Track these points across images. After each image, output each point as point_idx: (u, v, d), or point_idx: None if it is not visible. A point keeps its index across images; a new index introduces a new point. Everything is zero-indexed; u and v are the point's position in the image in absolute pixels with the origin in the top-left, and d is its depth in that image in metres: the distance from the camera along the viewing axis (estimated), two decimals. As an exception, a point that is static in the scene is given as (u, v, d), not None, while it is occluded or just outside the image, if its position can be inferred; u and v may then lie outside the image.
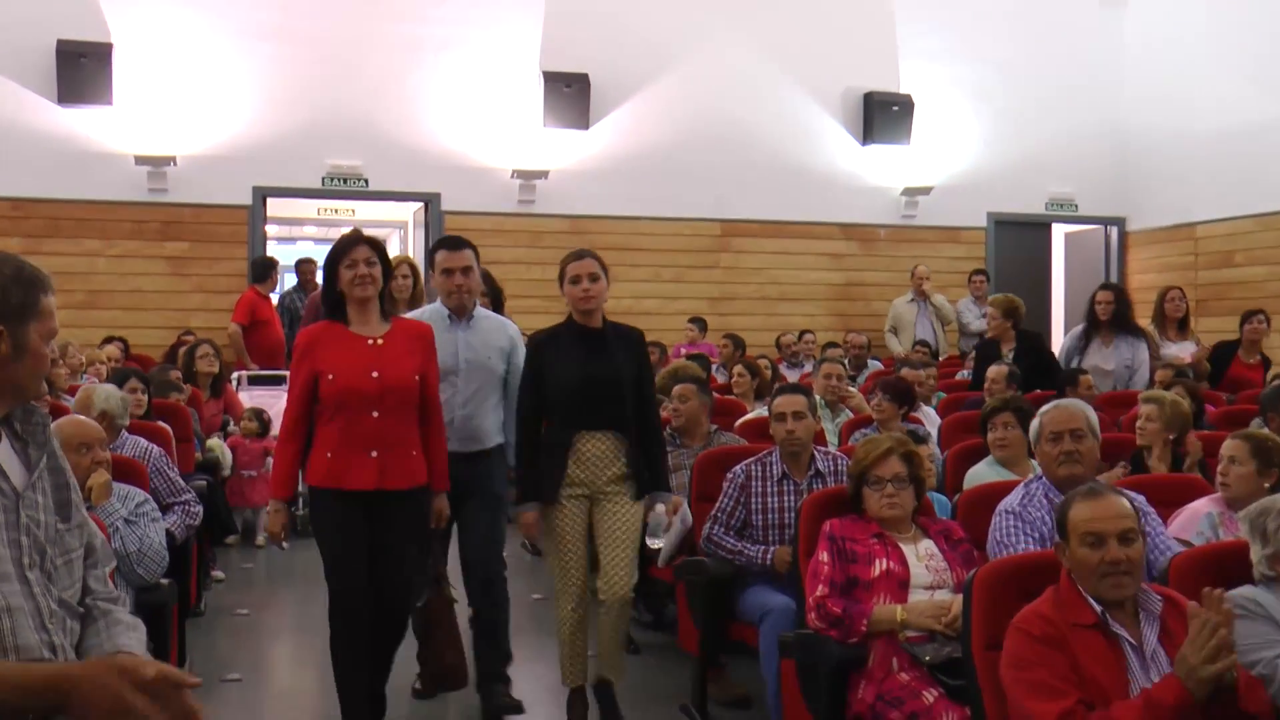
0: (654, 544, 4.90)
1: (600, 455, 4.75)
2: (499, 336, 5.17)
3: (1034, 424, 4.39)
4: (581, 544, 4.80)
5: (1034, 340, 8.63)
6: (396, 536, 4.46)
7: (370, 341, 4.44)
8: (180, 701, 2.14)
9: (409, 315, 5.19)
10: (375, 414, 4.37)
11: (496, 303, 7.02)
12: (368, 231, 7.64)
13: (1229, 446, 4.37)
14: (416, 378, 4.48)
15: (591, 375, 4.74)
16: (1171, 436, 5.51)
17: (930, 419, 7.24)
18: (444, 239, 5.31)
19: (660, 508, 4.83)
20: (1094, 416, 4.31)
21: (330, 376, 4.37)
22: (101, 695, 2.03)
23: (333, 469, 4.38)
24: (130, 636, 2.32)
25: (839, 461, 5.03)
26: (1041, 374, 7.97)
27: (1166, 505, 4.39)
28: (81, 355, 8.58)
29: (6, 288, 2.17)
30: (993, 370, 7.33)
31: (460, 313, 5.07)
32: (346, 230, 7.38)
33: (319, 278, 10.02)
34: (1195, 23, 12.66)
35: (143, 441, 5.71)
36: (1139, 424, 5.65)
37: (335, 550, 4.46)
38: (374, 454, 4.37)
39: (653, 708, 5.10)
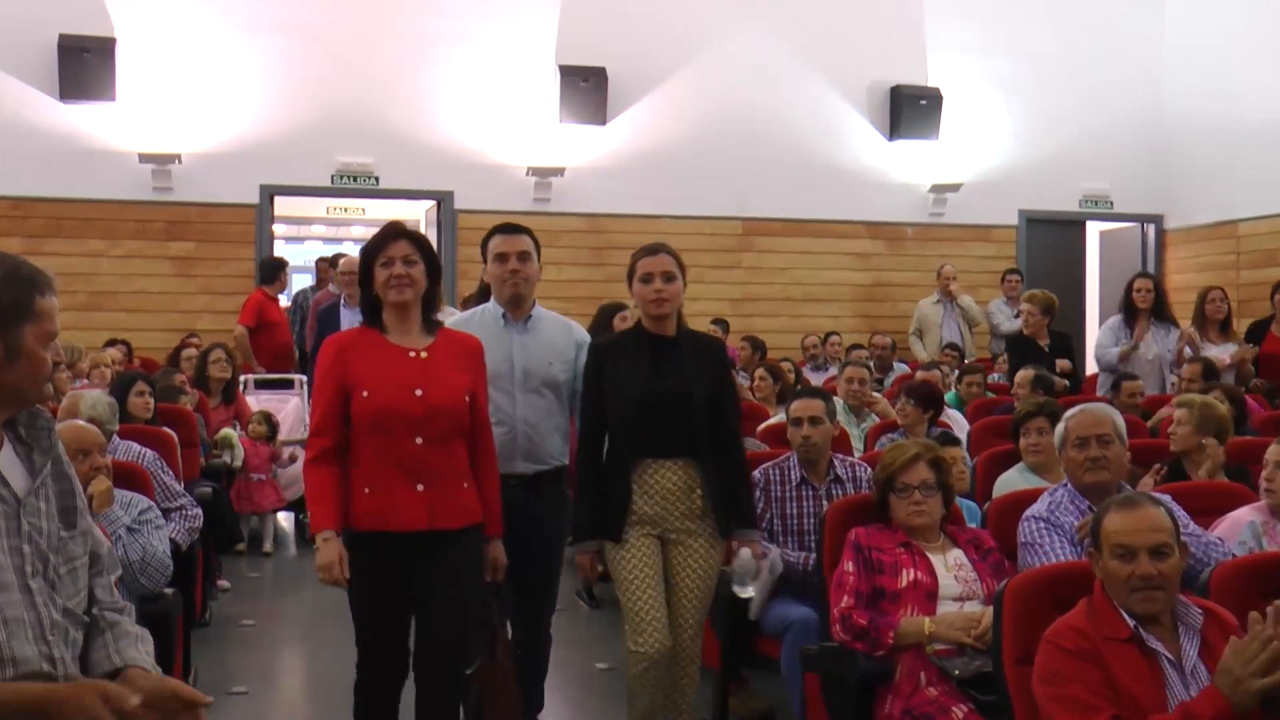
0: (743, 593, 4.39)
1: (670, 488, 4.22)
2: (562, 340, 4.63)
3: (1059, 428, 4.38)
4: (659, 587, 4.21)
5: (1063, 341, 8.64)
6: (449, 584, 3.88)
7: (412, 354, 3.92)
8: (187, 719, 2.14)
9: (457, 316, 4.98)
10: (419, 440, 3.83)
11: None
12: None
13: (1273, 451, 4.33)
14: (466, 398, 3.94)
15: (657, 391, 4.22)
16: (1205, 441, 5.45)
17: (958, 423, 7.21)
18: (500, 225, 4.74)
19: (746, 552, 4.33)
20: (1121, 422, 4.30)
21: (365, 393, 3.84)
22: (80, 717, 2.03)
23: (376, 508, 3.83)
24: (138, 649, 2.32)
25: (858, 468, 5.02)
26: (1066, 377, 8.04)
27: (1206, 514, 4.35)
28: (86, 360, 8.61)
29: None
30: (1020, 375, 7.31)
31: (517, 308, 4.55)
32: (357, 230, 7.44)
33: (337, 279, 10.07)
34: (1239, 9, 12.56)
35: (135, 446, 5.71)
36: (1170, 429, 5.61)
37: (371, 599, 3.92)
38: (420, 488, 3.82)
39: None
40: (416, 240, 3.99)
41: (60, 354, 2.34)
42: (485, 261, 4.64)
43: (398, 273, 3.89)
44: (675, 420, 4.21)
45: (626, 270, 4.39)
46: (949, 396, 8.35)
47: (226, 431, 8.20)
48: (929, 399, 6.56)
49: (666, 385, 4.23)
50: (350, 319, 7.09)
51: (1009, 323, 11.59)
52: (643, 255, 4.36)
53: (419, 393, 3.84)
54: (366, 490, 3.84)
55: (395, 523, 3.80)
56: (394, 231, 4.00)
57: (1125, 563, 3.00)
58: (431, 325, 4.03)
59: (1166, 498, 3.53)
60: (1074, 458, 4.19)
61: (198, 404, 8.12)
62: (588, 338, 4.70)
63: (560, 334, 4.65)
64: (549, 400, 4.54)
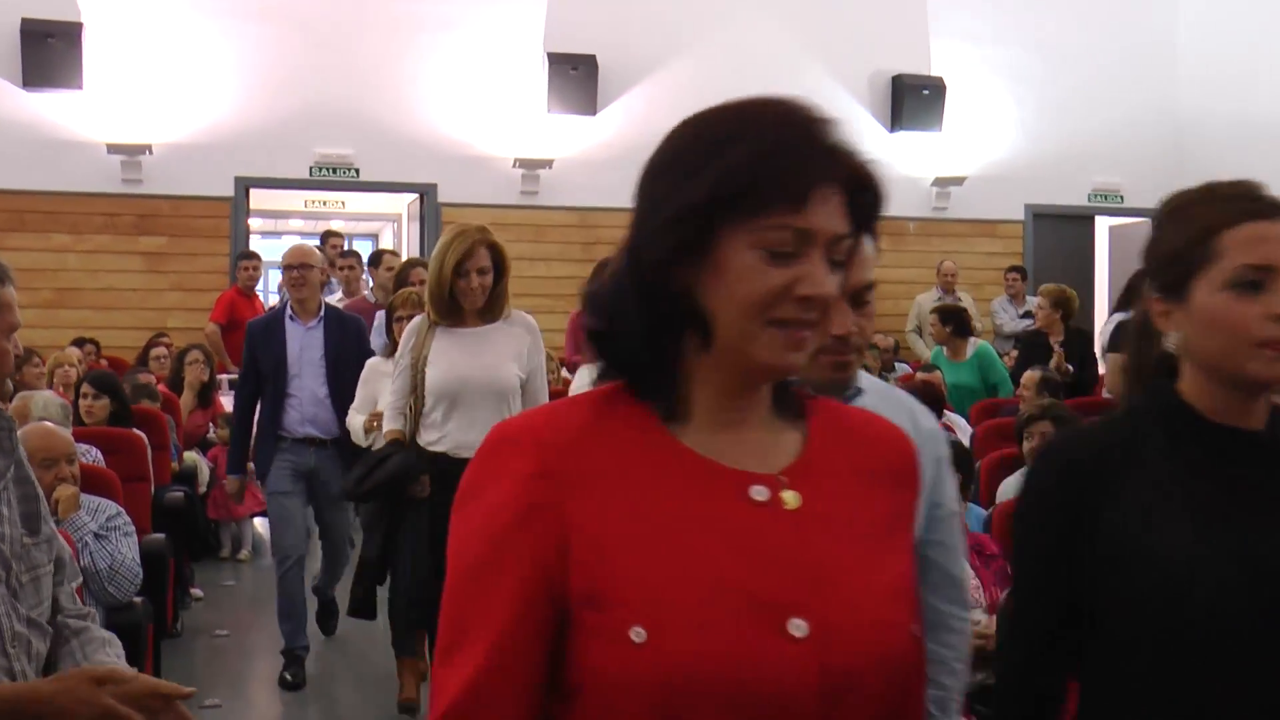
0: None
1: None
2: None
3: None
4: None
5: (1079, 339, 8.64)
6: None
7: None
8: (175, 714, 2.15)
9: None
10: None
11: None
12: (358, 226, 7.50)
13: None
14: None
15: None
16: None
17: (960, 426, 7.23)
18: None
19: None
20: None
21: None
22: (80, 708, 2.04)
23: None
24: (107, 652, 2.33)
25: None
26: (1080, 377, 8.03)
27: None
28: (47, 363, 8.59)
29: None
30: (1026, 376, 7.32)
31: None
32: (336, 224, 7.45)
33: (366, 276, 9.88)
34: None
35: (94, 451, 5.71)
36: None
37: None
38: None
39: None
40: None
41: (19, 347, 2.33)
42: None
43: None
44: None
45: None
46: (950, 397, 8.39)
47: (191, 455, 8.17)
48: (930, 402, 6.56)
49: None
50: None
51: (1012, 322, 11.61)
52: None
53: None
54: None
55: None
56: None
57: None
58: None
59: None
60: None
61: (168, 406, 8.10)
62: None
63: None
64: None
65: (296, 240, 19.48)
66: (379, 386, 5.61)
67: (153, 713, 2.13)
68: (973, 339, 9.07)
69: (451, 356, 4.81)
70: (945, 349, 8.89)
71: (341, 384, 5.97)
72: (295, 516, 6.17)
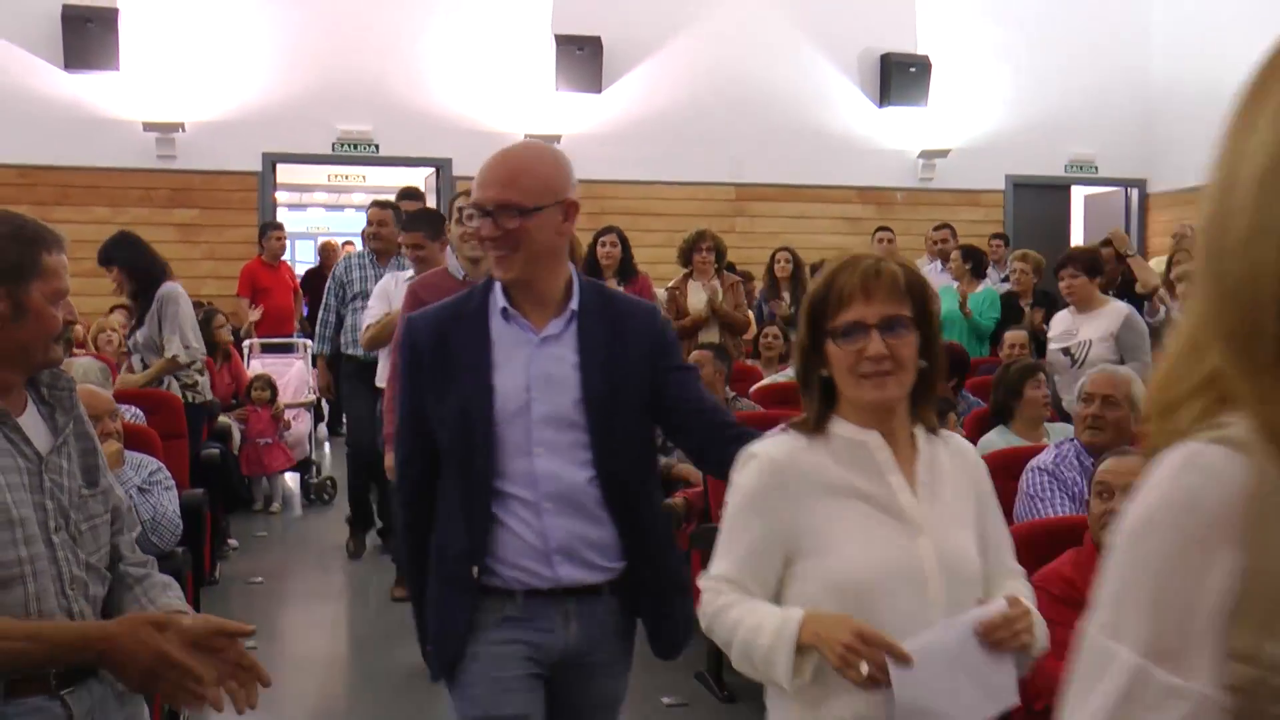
0: None
1: None
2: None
3: (1081, 381, 4.41)
4: None
5: (1046, 300, 8.67)
6: None
7: None
8: (234, 653, 2.16)
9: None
10: None
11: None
12: (378, 199, 7.42)
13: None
14: None
15: None
16: None
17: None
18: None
19: None
20: (1140, 387, 4.19)
21: None
22: (140, 650, 2.06)
23: None
24: (169, 595, 2.35)
25: None
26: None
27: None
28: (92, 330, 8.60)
29: (2, 246, 2.15)
30: (1010, 335, 7.26)
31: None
32: (357, 197, 7.52)
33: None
34: (1221, -22, 12.52)
35: (137, 411, 5.71)
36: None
37: None
38: None
39: (666, 674, 5.08)
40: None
41: (73, 312, 2.33)
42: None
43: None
44: None
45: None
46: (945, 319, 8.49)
47: (223, 420, 8.18)
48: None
49: None
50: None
51: (994, 285, 11.56)
52: None
53: None
54: None
55: None
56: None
57: (1102, 500, 3.16)
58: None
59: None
60: (1079, 413, 4.23)
61: (205, 367, 8.12)
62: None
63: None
64: None
65: (321, 212, 19.48)
66: None
67: (216, 650, 2.14)
68: (985, 284, 9.16)
69: None
70: (959, 283, 8.90)
71: None
72: None
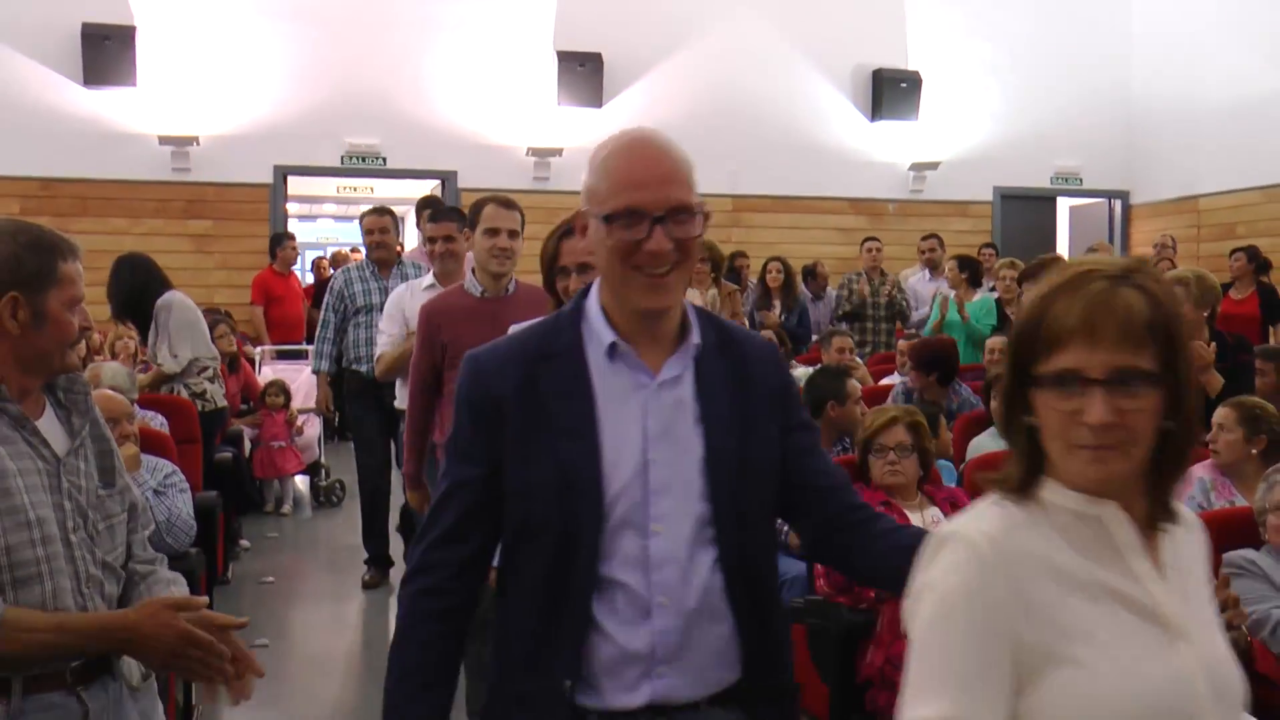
0: None
1: None
2: None
3: None
4: None
5: None
6: None
7: None
8: (229, 644, 2.19)
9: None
10: None
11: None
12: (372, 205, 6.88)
13: (1219, 414, 4.37)
14: None
15: None
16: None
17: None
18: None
19: None
20: None
21: None
22: (164, 632, 2.10)
23: None
24: (171, 590, 2.35)
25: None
26: None
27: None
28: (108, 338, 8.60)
29: (20, 255, 2.15)
30: (992, 341, 7.33)
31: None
32: (365, 208, 7.31)
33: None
34: (1201, -3, 12.56)
35: (159, 418, 5.71)
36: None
37: None
38: None
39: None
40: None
41: (89, 319, 2.33)
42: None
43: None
44: None
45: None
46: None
47: (235, 429, 8.17)
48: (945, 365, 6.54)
49: None
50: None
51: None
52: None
53: None
54: None
55: None
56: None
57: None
58: None
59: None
60: None
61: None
62: None
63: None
64: None
65: (330, 223, 19.44)
66: None
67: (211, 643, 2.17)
68: (982, 293, 9.19)
69: None
70: (956, 292, 9.00)
71: None
72: None
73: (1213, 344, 5.08)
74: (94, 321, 2.41)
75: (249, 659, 2.22)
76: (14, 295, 2.13)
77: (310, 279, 13.85)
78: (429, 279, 5.59)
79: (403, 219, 13.16)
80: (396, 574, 6.49)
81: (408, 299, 5.48)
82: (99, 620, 2.13)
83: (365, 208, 7.66)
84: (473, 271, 4.46)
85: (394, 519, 6.76)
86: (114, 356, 7.97)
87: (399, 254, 6.60)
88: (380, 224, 6.88)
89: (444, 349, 4.27)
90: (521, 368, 2.00)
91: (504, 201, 4.60)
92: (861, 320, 9.69)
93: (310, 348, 10.11)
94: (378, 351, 5.62)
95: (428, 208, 7.27)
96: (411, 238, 13.34)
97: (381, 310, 5.99)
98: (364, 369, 6.47)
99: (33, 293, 2.15)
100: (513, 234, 4.47)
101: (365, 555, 6.85)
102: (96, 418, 2.32)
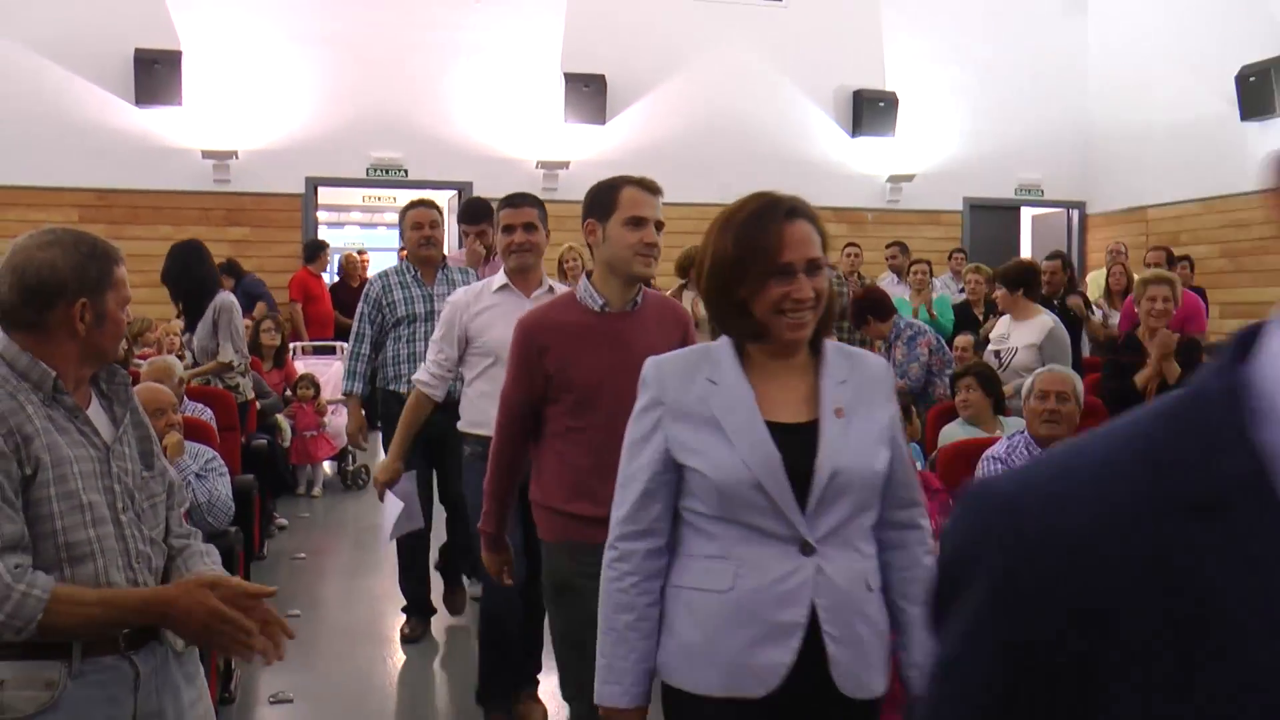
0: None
1: None
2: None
3: (1028, 381, 4.41)
4: None
5: (993, 308, 8.73)
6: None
7: None
8: (260, 612, 2.21)
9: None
10: None
11: None
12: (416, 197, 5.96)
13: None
14: None
15: None
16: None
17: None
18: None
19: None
20: (1080, 385, 4.31)
21: None
22: (198, 609, 2.11)
23: None
24: (205, 561, 2.36)
25: None
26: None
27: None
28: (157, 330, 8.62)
29: (85, 265, 2.19)
30: (960, 339, 7.34)
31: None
32: (389, 216, 7.30)
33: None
34: (1150, 27, 12.57)
35: (206, 410, 5.71)
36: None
37: None
38: None
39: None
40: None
41: (130, 316, 2.37)
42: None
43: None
44: None
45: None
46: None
47: (277, 419, 8.18)
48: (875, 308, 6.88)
49: None
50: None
51: (955, 297, 11.55)
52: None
53: None
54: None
55: None
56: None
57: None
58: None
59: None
60: (1034, 408, 4.23)
61: (253, 366, 8.12)
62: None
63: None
64: None
65: (356, 230, 19.45)
66: None
67: (245, 610, 2.18)
68: (937, 292, 9.11)
69: None
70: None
71: None
72: None
73: (1176, 334, 5.43)
74: (150, 320, 2.44)
75: (280, 623, 2.24)
76: (84, 301, 2.17)
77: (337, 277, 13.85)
78: (499, 278, 4.18)
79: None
80: (439, 623, 5.59)
81: (467, 307, 4.12)
82: (140, 595, 2.14)
83: (389, 215, 7.57)
84: (588, 276, 3.13)
85: (433, 555, 5.67)
86: (162, 350, 7.98)
87: (444, 257, 5.40)
88: (430, 217, 5.39)
89: (548, 379, 2.99)
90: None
91: (647, 185, 3.29)
92: (841, 319, 9.71)
93: (341, 344, 10.17)
94: (418, 375, 4.28)
95: (470, 209, 6.26)
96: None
97: (425, 321, 5.05)
98: (404, 389, 4.90)
99: (96, 296, 2.19)
100: (659, 226, 3.25)
101: (403, 603, 5.51)
102: (136, 405, 2.35)
